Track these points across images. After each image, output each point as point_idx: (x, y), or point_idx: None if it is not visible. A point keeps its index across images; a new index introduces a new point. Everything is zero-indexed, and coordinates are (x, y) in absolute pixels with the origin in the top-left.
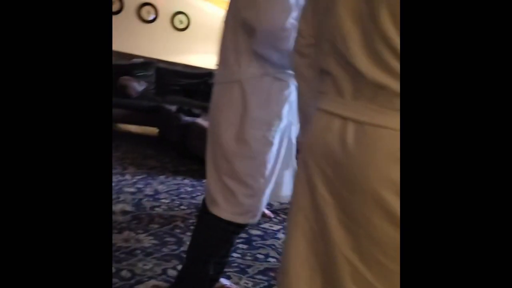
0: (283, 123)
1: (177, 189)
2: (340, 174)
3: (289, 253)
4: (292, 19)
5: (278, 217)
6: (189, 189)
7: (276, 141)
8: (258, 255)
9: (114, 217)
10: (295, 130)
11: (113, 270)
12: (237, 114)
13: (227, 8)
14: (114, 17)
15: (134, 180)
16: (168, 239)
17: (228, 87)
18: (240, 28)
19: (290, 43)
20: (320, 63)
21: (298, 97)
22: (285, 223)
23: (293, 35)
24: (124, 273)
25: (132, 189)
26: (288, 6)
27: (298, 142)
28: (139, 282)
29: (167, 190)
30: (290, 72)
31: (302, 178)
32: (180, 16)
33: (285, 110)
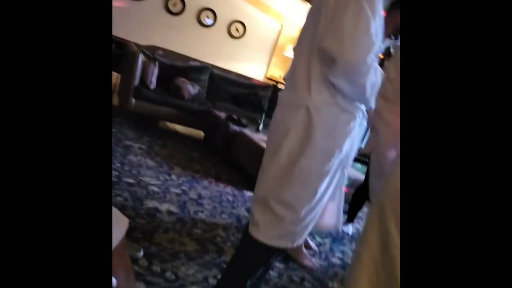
0: (342, 154)
1: (219, 196)
2: None
3: None
4: (373, 55)
5: (314, 241)
6: (231, 198)
7: (331, 172)
8: (294, 277)
9: (160, 216)
10: (350, 162)
11: (158, 270)
12: (301, 140)
13: (302, 31)
14: (175, 18)
15: (180, 182)
16: (209, 246)
17: (294, 111)
18: (316, 55)
19: (366, 78)
20: None
21: (378, 137)
22: (321, 247)
23: (371, 71)
24: (169, 274)
25: (177, 190)
26: (372, 41)
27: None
28: (182, 286)
29: (210, 196)
30: (358, 105)
31: (375, 219)
32: (236, 25)
33: (347, 142)
